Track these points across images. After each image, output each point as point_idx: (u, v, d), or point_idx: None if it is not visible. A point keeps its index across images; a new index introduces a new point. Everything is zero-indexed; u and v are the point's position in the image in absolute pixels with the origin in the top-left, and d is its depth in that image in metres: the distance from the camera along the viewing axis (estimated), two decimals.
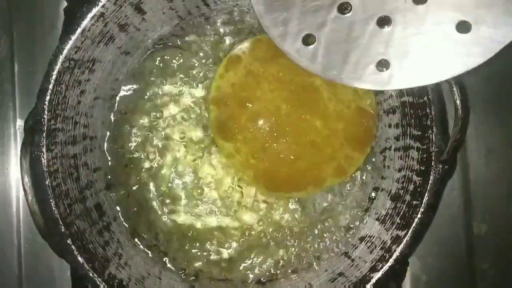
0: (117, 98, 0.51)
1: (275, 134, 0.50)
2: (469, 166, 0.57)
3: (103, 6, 0.43)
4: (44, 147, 0.43)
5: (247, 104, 0.50)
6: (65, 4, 0.57)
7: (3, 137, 0.57)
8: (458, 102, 0.42)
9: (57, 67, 0.42)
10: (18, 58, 0.58)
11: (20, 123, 0.58)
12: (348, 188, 0.52)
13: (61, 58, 0.42)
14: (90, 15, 0.43)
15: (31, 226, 0.56)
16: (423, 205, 0.45)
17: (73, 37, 0.43)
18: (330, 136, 0.50)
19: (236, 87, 0.50)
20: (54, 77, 0.42)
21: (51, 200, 0.43)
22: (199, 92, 0.52)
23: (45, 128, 0.43)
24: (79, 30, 0.43)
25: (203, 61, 0.52)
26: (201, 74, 0.52)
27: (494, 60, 0.33)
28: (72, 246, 0.43)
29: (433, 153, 0.45)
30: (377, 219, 0.49)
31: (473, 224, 0.57)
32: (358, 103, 0.50)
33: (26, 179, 0.39)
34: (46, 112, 0.42)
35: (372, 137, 0.51)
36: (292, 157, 0.50)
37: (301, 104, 0.50)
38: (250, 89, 0.50)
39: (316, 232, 0.52)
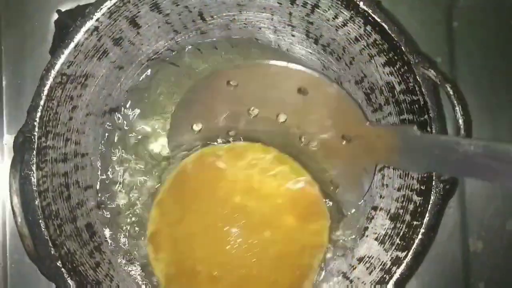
0: (110, 115, 0.49)
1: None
2: (465, 183, 0.56)
3: (97, 20, 0.42)
4: (34, 165, 0.41)
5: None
6: (56, 16, 0.55)
7: None
8: (461, 121, 0.41)
9: (49, 82, 0.41)
10: (6, 71, 0.56)
11: (8, 138, 0.56)
12: None
13: (53, 73, 0.41)
14: (83, 29, 0.42)
15: (18, 246, 0.54)
16: (423, 225, 0.44)
17: (66, 52, 0.41)
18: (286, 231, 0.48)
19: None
20: (45, 92, 0.41)
21: (40, 221, 0.41)
22: None
23: (36, 146, 0.41)
24: (72, 45, 0.41)
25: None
26: None
27: None
28: (62, 269, 0.41)
29: (434, 173, 0.44)
30: (376, 239, 0.48)
31: (469, 241, 0.56)
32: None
33: (16, 200, 0.37)
34: (36, 129, 0.41)
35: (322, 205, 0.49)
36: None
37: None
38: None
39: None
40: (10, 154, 0.55)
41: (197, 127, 0.49)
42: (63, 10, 0.53)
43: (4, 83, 0.56)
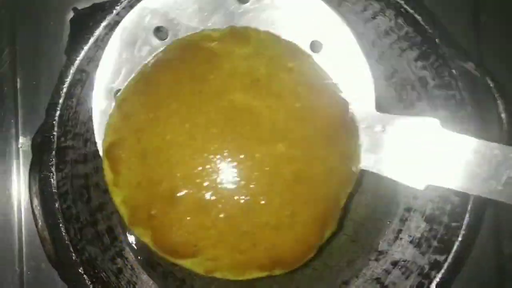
0: None
1: (221, 197, 0.34)
2: None
3: (117, 14, 0.40)
4: (54, 166, 0.39)
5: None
6: (71, 15, 0.53)
7: (5, 156, 0.53)
8: (503, 116, 0.39)
9: (68, 79, 0.39)
10: (21, 72, 0.54)
11: (22, 141, 0.54)
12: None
13: (73, 69, 0.39)
14: (104, 24, 0.40)
15: (34, 252, 0.53)
16: (463, 227, 0.42)
17: (86, 47, 0.39)
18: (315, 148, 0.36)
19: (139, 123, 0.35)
20: (65, 90, 0.39)
21: (61, 225, 0.39)
22: None
23: (55, 146, 0.39)
24: (91, 40, 0.40)
25: None
26: None
27: None
28: (85, 276, 0.39)
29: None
30: (411, 242, 0.46)
31: (503, 243, 0.54)
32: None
33: (36, 202, 0.35)
34: (56, 129, 0.39)
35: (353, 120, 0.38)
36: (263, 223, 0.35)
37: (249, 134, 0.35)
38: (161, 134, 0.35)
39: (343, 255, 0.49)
40: (25, 157, 0.54)
41: (162, 33, 0.37)
42: (79, 8, 0.51)
43: (18, 84, 0.54)
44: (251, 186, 0.34)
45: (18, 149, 0.54)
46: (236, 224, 0.34)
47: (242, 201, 0.34)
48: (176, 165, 0.34)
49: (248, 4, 0.38)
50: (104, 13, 0.40)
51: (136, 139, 0.34)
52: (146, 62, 0.37)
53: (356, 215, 0.50)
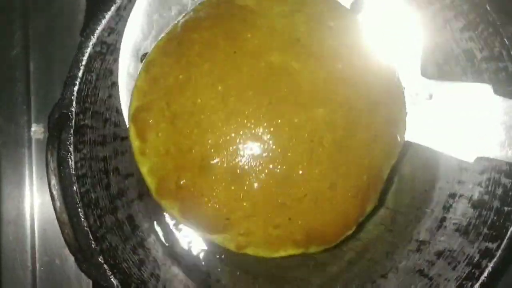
0: None
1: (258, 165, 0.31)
2: None
3: None
4: (72, 146, 0.36)
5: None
6: None
7: (17, 144, 0.50)
8: None
9: (88, 51, 0.36)
10: (34, 55, 0.51)
11: (35, 128, 0.51)
12: None
13: (93, 40, 0.36)
14: None
15: (48, 247, 0.50)
16: None
17: (107, 16, 0.36)
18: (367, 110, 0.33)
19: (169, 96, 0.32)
20: (84, 62, 0.36)
21: (79, 210, 0.35)
22: None
23: (73, 124, 0.36)
24: (113, 8, 0.36)
25: None
26: None
27: None
28: (105, 265, 0.36)
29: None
30: (458, 229, 0.42)
31: None
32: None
33: (53, 182, 0.32)
34: (74, 104, 0.36)
35: (399, 89, 0.36)
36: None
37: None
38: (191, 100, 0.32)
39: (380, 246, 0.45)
40: (39, 148, 0.51)
41: None
42: None
43: (31, 68, 0.51)
44: (288, 154, 0.31)
45: (30, 137, 0.51)
46: (271, 196, 0.32)
47: (278, 170, 0.31)
48: (208, 131, 0.31)
49: None
50: None
51: (165, 103, 0.32)
52: (176, 22, 0.34)
53: (393, 203, 0.46)
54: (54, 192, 0.32)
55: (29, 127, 0.51)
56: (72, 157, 0.36)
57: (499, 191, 0.40)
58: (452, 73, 0.43)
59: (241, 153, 0.31)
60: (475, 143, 0.34)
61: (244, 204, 0.31)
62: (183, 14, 0.34)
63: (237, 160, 0.31)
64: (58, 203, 0.32)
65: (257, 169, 0.31)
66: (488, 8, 0.38)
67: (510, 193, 0.39)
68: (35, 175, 0.51)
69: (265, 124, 0.31)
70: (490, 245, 0.39)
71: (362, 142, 0.33)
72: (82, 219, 0.36)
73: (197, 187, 0.31)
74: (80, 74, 0.36)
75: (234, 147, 0.31)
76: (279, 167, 0.31)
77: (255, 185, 0.31)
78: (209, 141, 0.31)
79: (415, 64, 0.35)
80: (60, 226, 0.32)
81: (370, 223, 0.47)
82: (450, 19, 0.41)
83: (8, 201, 0.50)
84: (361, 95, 0.33)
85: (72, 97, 0.36)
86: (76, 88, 0.36)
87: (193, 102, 0.31)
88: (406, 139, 0.35)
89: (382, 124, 0.33)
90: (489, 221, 0.40)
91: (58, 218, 0.32)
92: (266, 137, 0.31)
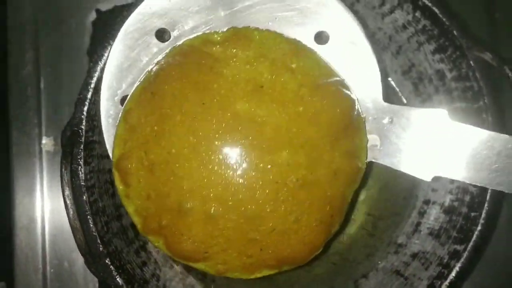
0: None
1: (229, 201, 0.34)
2: None
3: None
4: (82, 160, 0.40)
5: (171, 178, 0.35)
6: (93, 16, 0.55)
7: (28, 156, 0.54)
8: None
9: (96, 74, 0.40)
10: (44, 73, 0.56)
11: (45, 141, 0.55)
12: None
13: (100, 65, 0.40)
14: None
15: (57, 251, 0.54)
16: (482, 215, 0.42)
17: (113, 43, 0.40)
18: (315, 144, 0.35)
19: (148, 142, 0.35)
20: (92, 85, 0.40)
21: (89, 217, 0.40)
22: None
23: (83, 140, 0.40)
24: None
25: None
26: None
27: None
28: (111, 267, 0.40)
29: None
30: (431, 233, 0.46)
31: None
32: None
33: (67, 192, 0.36)
34: (84, 123, 0.40)
35: (359, 116, 0.38)
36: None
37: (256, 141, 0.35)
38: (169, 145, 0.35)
39: (362, 249, 0.49)
40: (48, 157, 0.55)
41: (166, 35, 0.37)
42: (102, 9, 0.53)
43: (41, 85, 0.55)
44: (256, 195, 0.34)
45: (41, 149, 0.55)
46: (243, 232, 0.35)
47: (247, 210, 0.34)
48: (182, 178, 0.34)
49: None
50: (132, 9, 0.40)
51: (143, 152, 0.35)
52: (149, 69, 0.36)
53: (374, 210, 0.50)
54: (68, 202, 0.36)
55: (40, 139, 0.55)
56: (82, 170, 0.40)
57: (467, 198, 0.44)
58: (426, 92, 0.47)
59: (213, 196, 0.34)
60: (432, 163, 0.38)
61: (220, 240, 0.35)
62: (155, 62, 0.37)
63: (210, 203, 0.34)
64: (71, 211, 0.36)
65: (229, 210, 0.34)
66: (455, 33, 0.42)
67: (476, 200, 0.43)
68: (45, 184, 0.55)
69: (234, 170, 0.34)
70: (458, 247, 0.43)
71: (324, 178, 0.35)
72: (91, 225, 0.40)
73: (177, 227, 0.35)
74: (89, 95, 0.40)
75: (207, 192, 0.34)
76: (248, 207, 0.34)
77: (228, 224, 0.35)
78: (184, 187, 0.34)
79: (377, 91, 0.38)
80: (73, 232, 0.36)
81: (353, 228, 0.51)
82: (424, 42, 0.45)
83: (21, 208, 0.54)
84: (322, 134, 0.35)
85: (82, 116, 0.40)
86: (85, 108, 0.40)
87: (168, 152, 0.34)
88: (372, 160, 0.38)
89: (343, 157, 0.36)
90: (458, 225, 0.44)
91: (71, 225, 0.36)
92: (235, 181, 0.34)
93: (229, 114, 0.34)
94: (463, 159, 0.37)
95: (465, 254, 0.42)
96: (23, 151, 0.55)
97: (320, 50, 0.37)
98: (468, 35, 0.42)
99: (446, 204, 0.46)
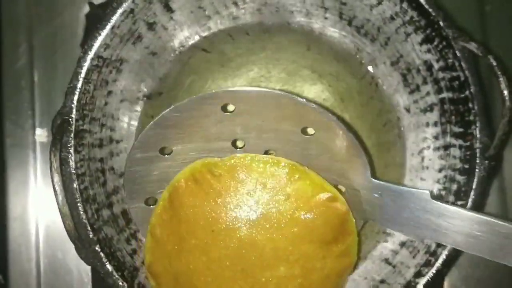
0: (144, 101, 0.49)
1: None
2: (504, 170, 0.55)
3: (133, 2, 0.42)
4: (72, 148, 0.41)
5: None
6: (86, 9, 0.55)
7: (22, 147, 0.55)
8: (506, 93, 0.40)
9: (86, 64, 0.41)
10: (38, 66, 0.56)
11: (39, 132, 0.56)
12: None
13: (91, 55, 0.41)
14: (120, 11, 0.42)
15: (51, 241, 0.54)
16: (468, 205, 0.43)
17: (103, 33, 0.41)
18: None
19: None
20: (83, 75, 0.41)
21: (79, 204, 0.40)
22: None
23: (73, 129, 0.40)
24: (108, 26, 0.41)
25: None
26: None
27: None
28: (101, 253, 0.41)
29: (477, 150, 0.43)
30: None
31: None
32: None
33: (56, 179, 0.36)
34: (74, 112, 0.40)
35: (350, 221, 0.42)
36: None
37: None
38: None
39: None
40: (42, 149, 0.55)
41: (167, 150, 0.41)
42: (95, 3, 0.53)
43: (35, 77, 0.56)
44: None
45: (34, 140, 0.55)
46: None
47: None
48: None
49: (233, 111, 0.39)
50: (121, 1, 0.41)
51: (168, 262, 0.41)
52: (163, 191, 0.42)
53: None
54: (57, 188, 0.37)
55: (34, 131, 0.55)
56: (73, 158, 0.41)
57: (454, 187, 0.45)
58: (414, 82, 0.47)
59: None
60: (418, 232, 0.40)
61: None
62: (168, 185, 0.42)
63: None
64: (60, 197, 0.36)
65: None
66: (441, 24, 0.43)
67: (463, 189, 0.44)
68: (39, 175, 0.55)
69: (240, 285, 0.40)
70: None
71: (317, 281, 0.41)
72: (81, 213, 0.40)
73: None
74: (79, 85, 0.41)
75: None
76: None
77: None
78: None
79: (364, 172, 0.40)
80: (62, 218, 0.37)
81: None
82: (411, 33, 0.45)
83: (15, 198, 0.55)
84: (315, 248, 0.41)
85: (72, 105, 0.40)
86: (75, 98, 0.41)
87: (187, 266, 0.40)
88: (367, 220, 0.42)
89: (335, 261, 0.42)
90: None
91: (60, 210, 0.37)
92: None
93: (234, 240, 0.40)
94: (444, 234, 0.39)
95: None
96: (17, 143, 0.55)
97: (306, 141, 0.40)
98: (454, 25, 0.43)
99: (434, 193, 0.46)
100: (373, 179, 0.40)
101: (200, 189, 0.40)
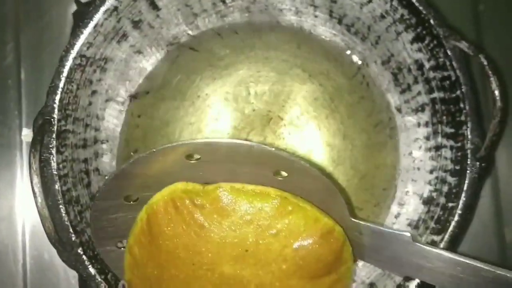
0: (130, 101, 0.48)
1: None
2: (498, 170, 0.54)
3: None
4: (54, 149, 0.40)
5: None
6: (73, 7, 0.55)
7: (9, 147, 0.54)
8: (497, 93, 0.39)
9: (68, 63, 0.40)
10: (25, 64, 0.55)
11: (26, 132, 0.55)
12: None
13: (73, 54, 0.40)
14: (103, 9, 0.41)
15: (37, 242, 0.53)
16: (460, 206, 0.42)
17: (86, 32, 0.40)
18: None
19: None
20: (65, 74, 0.40)
21: (61, 206, 0.39)
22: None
23: (55, 129, 0.40)
24: (91, 24, 0.41)
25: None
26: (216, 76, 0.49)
27: None
28: (83, 256, 0.40)
29: (468, 151, 0.42)
30: (409, 224, 0.46)
31: (505, 231, 0.53)
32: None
33: (36, 180, 0.36)
34: (56, 112, 0.40)
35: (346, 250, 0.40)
36: None
37: None
38: None
39: None
40: (29, 149, 0.54)
41: (133, 197, 0.38)
42: (82, 1, 0.52)
43: (22, 76, 0.55)
44: None
45: (21, 140, 0.55)
46: None
47: None
48: None
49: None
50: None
51: (148, 284, 0.38)
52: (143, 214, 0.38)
53: (354, 201, 0.50)
54: (36, 190, 0.36)
55: (20, 131, 0.54)
56: (55, 158, 0.40)
57: (445, 188, 0.44)
58: (405, 82, 0.46)
59: None
60: (400, 270, 0.40)
61: None
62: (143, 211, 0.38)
63: None
64: (39, 199, 0.36)
65: None
66: (432, 22, 0.42)
67: (454, 191, 0.43)
68: (26, 175, 0.54)
69: None
70: (435, 237, 0.43)
71: None
72: (63, 214, 0.40)
73: None
74: (61, 84, 0.40)
75: None
76: None
77: None
78: None
79: (343, 211, 0.38)
80: (41, 220, 0.36)
81: None
82: (402, 31, 0.45)
83: (1, 199, 0.54)
84: (304, 282, 0.37)
85: (54, 105, 0.40)
86: (57, 97, 0.40)
87: None
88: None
89: None
90: (436, 216, 0.44)
91: (39, 213, 0.36)
92: None
93: (216, 275, 0.37)
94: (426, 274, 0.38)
95: (441, 244, 0.42)
96: (3, 143, 0.54)
97: (280, 182, 0.37)
98: (445, 24, 0.42)
99: (425, 195, 0.45)
100: (352, 219, 0.38)
101: (180, 219, 0.37)
